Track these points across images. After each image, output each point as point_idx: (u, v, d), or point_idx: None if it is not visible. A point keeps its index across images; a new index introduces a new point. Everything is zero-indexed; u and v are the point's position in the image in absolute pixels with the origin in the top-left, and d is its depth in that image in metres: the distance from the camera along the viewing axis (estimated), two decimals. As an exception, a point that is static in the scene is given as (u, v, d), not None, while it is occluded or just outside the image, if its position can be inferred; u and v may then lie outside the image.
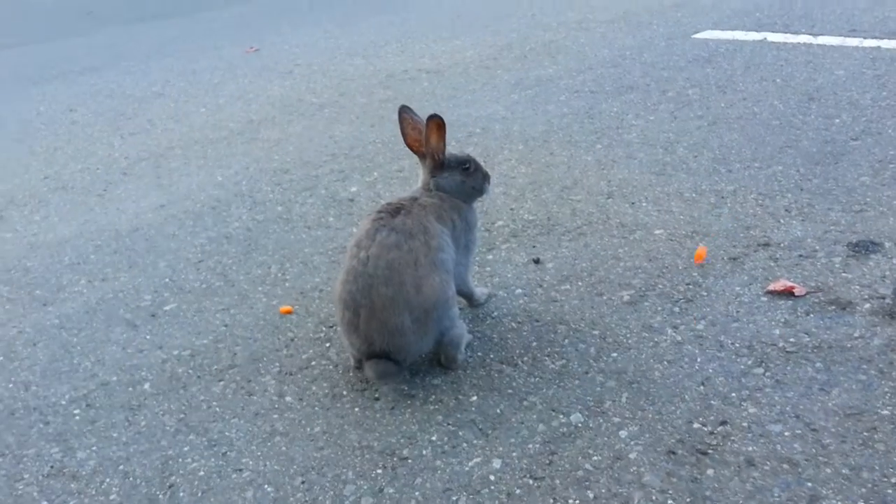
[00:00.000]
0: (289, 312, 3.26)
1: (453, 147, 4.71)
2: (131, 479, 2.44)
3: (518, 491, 2.23)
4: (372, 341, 2.58)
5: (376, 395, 2.68)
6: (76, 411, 2.78)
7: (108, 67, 8.48)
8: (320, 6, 11.09)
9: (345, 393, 2.72)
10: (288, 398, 2.73)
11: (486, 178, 2.98)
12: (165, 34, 10.25)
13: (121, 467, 2.48)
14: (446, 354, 2.75)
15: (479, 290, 3.15)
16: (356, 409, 2.63)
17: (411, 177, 4.50)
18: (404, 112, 2.88)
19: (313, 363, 2.91)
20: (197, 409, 2.73)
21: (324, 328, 3.12)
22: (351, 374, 2.80)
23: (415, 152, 2.92)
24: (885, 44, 6.01)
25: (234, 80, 7.36)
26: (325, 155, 5.05)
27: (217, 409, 2.72)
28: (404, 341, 2.58)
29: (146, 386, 2.89)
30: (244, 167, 5.00)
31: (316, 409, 2.66)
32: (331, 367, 2.87)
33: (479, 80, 6.32)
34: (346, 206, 4.23)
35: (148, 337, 3.20)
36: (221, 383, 2.85)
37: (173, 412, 2.72)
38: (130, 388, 2.88)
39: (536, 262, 3.43)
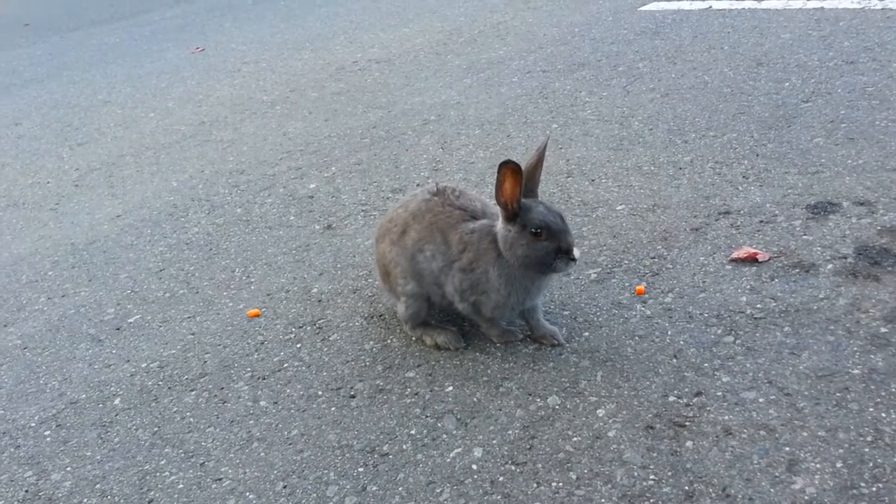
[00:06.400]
0: (256, 315, 3.22)
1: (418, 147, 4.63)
2: (109, 497, 2.39)
3: (501, 478, 2.23)
4: None
5: (352, 393, 2.66)
6: (47, 432, 2.73)
7: (51, 78, 8.29)
8: (264, 1, 10.94)
9: (320, 393, 2.70)
10: (263, 403, 2.70)
11: (559, 253, 2.45)
12: (106, 40, 10.04)
13: (98, 486, 2.44)
14: None
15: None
16: (332, 409, 2.61)
17: (370, 169, 4.46)
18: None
19: (286, 365, 2.88)
20: (170, 420, 2.69)
21: (293, 329, 3.09)
22: (324, 373, 2.78)
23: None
24: (828, 4, 6.09)
25: (182, 82, 7.23)
26: (280, 153, 4.99)
27: (191, 419, 2.68)
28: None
29: (116, 401, 2.84)
30: (199, 170, 4.92)
31: (292, 411, 2.63)
32: (304, 367, 2.84)
33: (430, 67, 6.28)
34: (307, 204, 4.18)
35: (114, 351, 3.14)
36: (193, 393, 2.81)
37: (146, 426, 2.68)
38: (100, 405, 2.83)
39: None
